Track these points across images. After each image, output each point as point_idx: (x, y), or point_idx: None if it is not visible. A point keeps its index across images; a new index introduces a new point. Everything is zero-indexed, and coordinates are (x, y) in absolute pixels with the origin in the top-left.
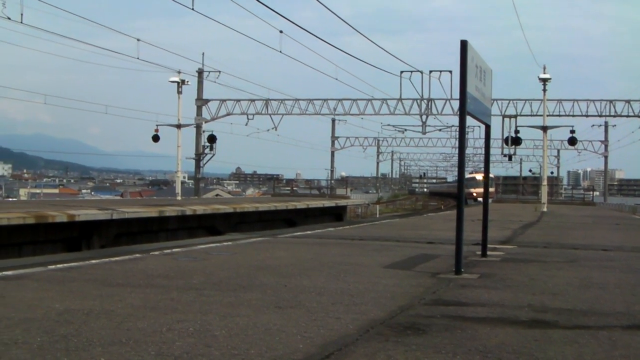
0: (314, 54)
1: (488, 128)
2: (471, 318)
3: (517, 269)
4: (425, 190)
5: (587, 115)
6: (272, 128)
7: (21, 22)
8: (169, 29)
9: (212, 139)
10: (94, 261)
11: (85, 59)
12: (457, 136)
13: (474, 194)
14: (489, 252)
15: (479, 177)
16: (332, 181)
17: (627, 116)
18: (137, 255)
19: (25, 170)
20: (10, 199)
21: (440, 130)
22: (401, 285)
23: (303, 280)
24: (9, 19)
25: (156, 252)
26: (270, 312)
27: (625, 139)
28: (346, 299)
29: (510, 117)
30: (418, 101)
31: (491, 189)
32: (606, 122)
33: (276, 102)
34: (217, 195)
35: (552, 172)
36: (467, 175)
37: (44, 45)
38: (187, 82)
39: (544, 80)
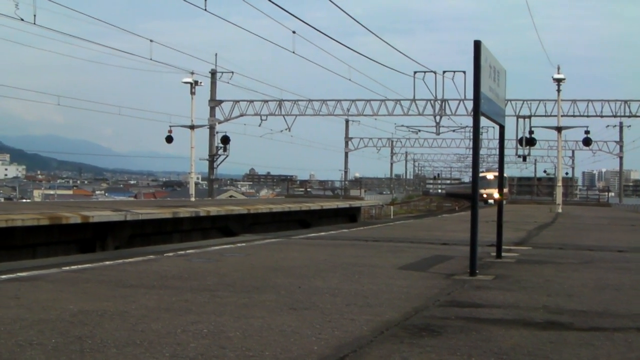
0: (327, 55)
1: (502, 129)
2: (486, 319)
3: (532, 270)
4: (439, 191)
5: (601, 116)
6: (286, 129)
7: (34, 23)
8: (182, 30)
9: (225, 140)
10: (108, 262)
11: (98, 59)
12: (471, 137)
13: (484, 195)
14: (503, 254)
15: (490, 176)
16: (346, 182)
17: None
18: (151, 256)
19: (39, 172)
20: (24, 200)
21: (454, 131)
22: (416, 287)
23: (317, 282)
24: (22, 20)
25: (170, 254)
26: (284, 313)
27: None
28: (360, 300)
29: (524, 117)
30: (432, 102)
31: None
32: (621, 123)
33: (289, 103)
34: (230, 196)
35: (566, 173)
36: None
37: (57, 46)
38: (201, 83)
39: (558, 81)
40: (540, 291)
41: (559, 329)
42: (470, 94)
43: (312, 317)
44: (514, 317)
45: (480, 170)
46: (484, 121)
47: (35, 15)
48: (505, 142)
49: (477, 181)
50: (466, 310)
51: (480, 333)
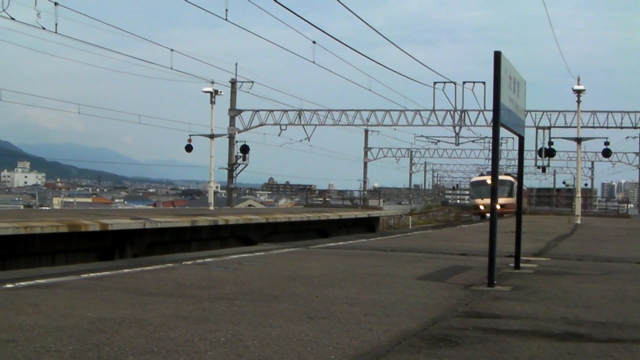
0: (347, 65)
1: (522, 139)
2: (504, 330)
3: (551, 281)
4: (458, 201)
5: (621, 127)
6: (305, 138)
7: (55, 32)
8: (203, 39)
9: (244, 149)
10: (126, 270)
11: (119, 68)
12: (491, 147)
13: (481, 207)
14: (522, 264)
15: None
16: (365, 192)
17: None
18: (170, 264)
19: (58, 179)
20: (43, 208)
21: (473, 141)
22: (433, 297)
23: (335, 291)
24: (44, 29)
25: (189, 262)
26: (302, 322)
27: None
28: (378, 310)
29: (544, 128)
30: (451, 112)
31: (510, 200)
32: None
33: (309, 113)
34: (249, 205)
35: (586, 184)
36: (476, 178)
37: (78, 55)
38: (220, 92)
39: (578, 92)
40: (558, 302)
41: (577, 340)
42: (489, 104)
43: (329, 326)
44: (532, 328)
45: (480, 173)
46: (503, 132)
47: (56, 24)
48: (525, 153)
49: (496, 191)
50: (484, 320)
51: (498, 344)
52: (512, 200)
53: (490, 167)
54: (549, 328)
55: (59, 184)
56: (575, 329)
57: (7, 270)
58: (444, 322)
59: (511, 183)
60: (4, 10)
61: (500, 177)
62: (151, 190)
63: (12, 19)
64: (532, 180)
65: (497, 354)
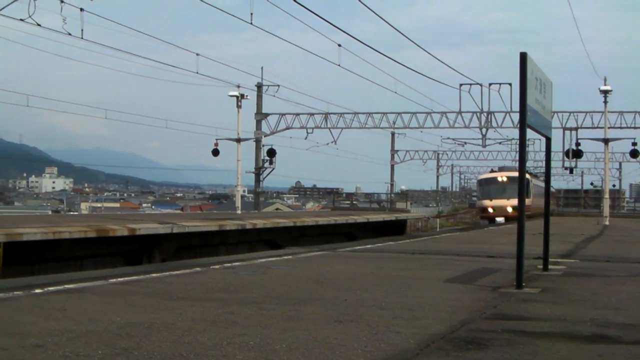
0: (372, 68)
1: (548, 141)
2: (533, 333)
3: (579, 283)
4: None
5: None
6: (332, 142)
7: (82, 38)
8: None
9: (271, 152)
10: (154, 275)
11: (145, 73)
12: (518, 149)
13: (490, 209)
14: (550, 266)
15: (502, 177)
16: (392, 195)
17: None
18: (198, 269)
19: (86, 185)
20: (71, 213)
21: (500, 143)
22: (462, 300)
23: (363, 294)
24: (70, 34)
25: (216, 266)
26: (330, 326)
27: None
28: (406, 313)
29: (571, 129)
30: (478, 114)
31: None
32: None
33: (335, 116)
34: (277, 209)
35: (613, 185)
36: (485, 176)
37: (105, 60)
38: (247, 96)
39: (605, 92)
40: (587, 304)
41: (606, 342)
42: (516, 106)
43: (358, 329)
44: (560, 331)
45: (491, 169)
46: (530, 133)
47: (82, 30)
48: (552, 154)
49: (523, 193)
50: (512, 323)
51: (527, 346)
52: (528, 201)
53: (504, 164)
54: (577, 330)
55: (87, 189)
56: (604, 331)
57: (36, 276)
58: (472, 324)
59: (528, 181)
60: (30, 16)
61: (512, 174)
62: (178, 195)
63: (38, 25)
64: (560, 182)
65: (526, 356)
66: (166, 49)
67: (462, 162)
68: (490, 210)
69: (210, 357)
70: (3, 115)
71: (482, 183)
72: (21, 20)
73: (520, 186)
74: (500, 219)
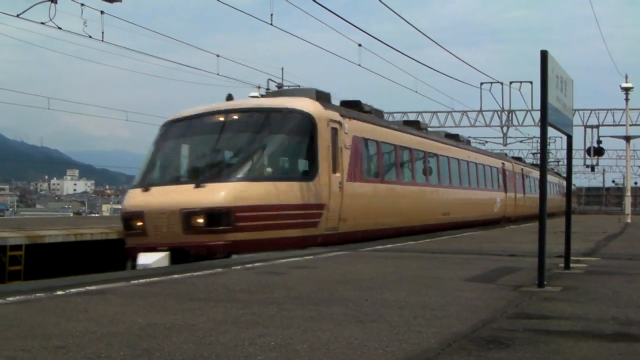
0: (392, 67)
1: (570, 139)
2: (554, 331)
3: (601, 281)
4: None
5: None
6: None
7: (102, 40)
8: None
9: None
10: (176, 276)
11: (165, 74)
12: (539, 147)
13: (135, 224)
14: (572, 265)
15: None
16: None
17: None
18: (219, 269)
19: (107, 186)
20: (93, 215)
21: (521, 141)
22: (483, 299)
23: (384, 294)
24: (90, 37)
25: (237, 267)
26: (351, 326)
27: None
28: (428, 312)
29: (592, 127)
30: (498, 113)
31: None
32: None
33: None
34: None
35: (635, 183)
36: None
37: (125, 62)
38: None
39: (626, 89)
40: (609, 302)
41: (629, 340)
42: (537, 104)
43: (379, 329)
44: (582, 329)
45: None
46: (551, 131)
47: (103, 32)
48: (573, 152)
49: (545, 193)
50: (534, 322)
51: (549, 345)
52: (518, 198)
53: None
54: (599, 329)
55: (108, 191)
56: (627, 329)
57: (58, 277)
58: (493, 323)
59: (502, 169)
60: (50, 19)
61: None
62: None
63: (59, 28)
64: (582, 180)
65: (548, 355)
66: (186, 50)
67: None
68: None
69: (232, 357)
70: (25, 118)
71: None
72: (42, 23)
73: (542, 182)
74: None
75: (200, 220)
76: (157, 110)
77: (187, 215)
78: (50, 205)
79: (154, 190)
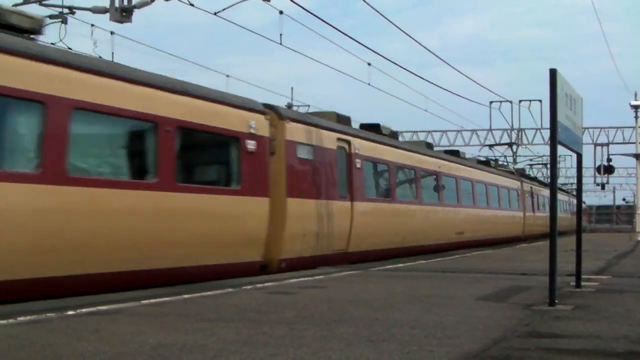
0: (402, 86)
1: (580, 157)
2: (566, 350)
3: (613, 299)
4: None
5: None
6: None
7: (112, 61)
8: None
9: None
10: (186, 296)
11: None
12: (549, 166)
13: None
14: (583, 283)
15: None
16: None
17: None
18: (229, 289)
19: None
20: None
21: (531, 160)
22: (494, 317)
23: (395, 313)
24: (100, 57)
25: (248, 287)
26: (362, 345)
27: None
28: (439, 332)
29: (602, 145)
30: (508, 131)
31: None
32: None
33: None
34: None
35: None
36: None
37: None
38: None
39: (636, 108)
40: (621, 321)
41: None
42: (546, 122)
43: (390, 349)
44: (594, 348)
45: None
46: (561, 150)
47: (113, 53)
48: (583, 170)
49: (556, 212)
50: (545, 340)
51: None
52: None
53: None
54: (611, 347)
55: None
56: (639, 347)
57: (68, 297)
58: (504, 342)
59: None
60: (61, 40)
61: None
62: None
63: (69, 49)
64: (592, 198)
65: None
66: (196, 71)
67: None
68: None
69: None
70: None
71: None
72: (52, 44)
73: (552, 200)
74: None
75: None
76: None
77: None
78: None
79: None
